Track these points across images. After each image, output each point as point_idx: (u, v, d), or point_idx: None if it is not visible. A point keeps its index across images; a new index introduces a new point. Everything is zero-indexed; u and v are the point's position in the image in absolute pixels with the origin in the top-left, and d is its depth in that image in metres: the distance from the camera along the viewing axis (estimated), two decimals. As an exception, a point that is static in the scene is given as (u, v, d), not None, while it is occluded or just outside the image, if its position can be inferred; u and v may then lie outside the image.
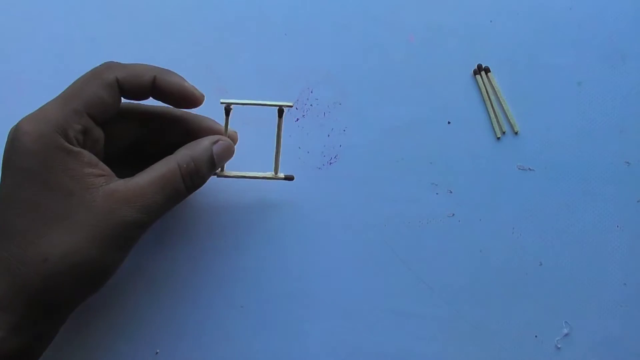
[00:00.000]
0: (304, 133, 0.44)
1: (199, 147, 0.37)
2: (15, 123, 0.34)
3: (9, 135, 0.34)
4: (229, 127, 0.39)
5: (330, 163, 0.44)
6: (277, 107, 0.39)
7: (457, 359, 0.41)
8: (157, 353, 0.41)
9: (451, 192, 0.43)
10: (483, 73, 0.44)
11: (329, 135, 0.44)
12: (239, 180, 0.42)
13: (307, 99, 0.44)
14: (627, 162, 0.43)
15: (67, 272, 0.33)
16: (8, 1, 0.45)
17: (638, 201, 0.43)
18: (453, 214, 0.43)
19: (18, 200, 0.33)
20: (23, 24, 0.45)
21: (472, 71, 0.44)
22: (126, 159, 0.40)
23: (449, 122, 0.44)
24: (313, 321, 0.42)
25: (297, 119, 0.44)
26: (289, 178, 0.41)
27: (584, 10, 0.45)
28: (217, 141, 0.38)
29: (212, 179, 0.39)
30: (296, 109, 0.44)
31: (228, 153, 0.39)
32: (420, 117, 0.44)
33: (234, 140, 0.41)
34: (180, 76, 0.38)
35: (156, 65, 0.37)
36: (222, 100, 0.38)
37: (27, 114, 0.34)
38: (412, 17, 0.45)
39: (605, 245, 0.42)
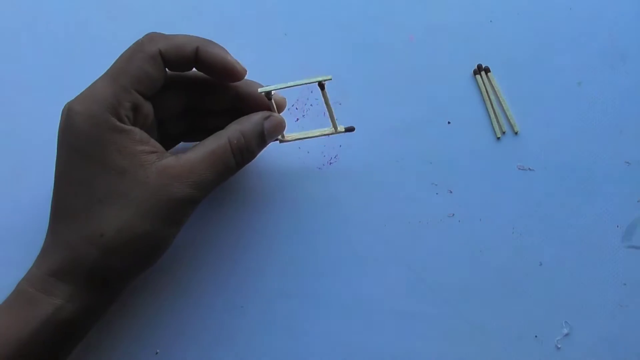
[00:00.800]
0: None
1: (249, 123, 0.38)
2: (67, 102, 0.35)
3: (62, 115, 0.35)
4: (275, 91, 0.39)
5: (330, 163, 0.44)
6: (317, 83, 0.39)
7: (457, 358, 0.41)
8: (157, 353, 0.41)
9: (451, 192, 0.43)
10: (483, 73, 0.44)
11: (328, 135, 0.44)
12: (235, 180, 0.42)
13: (307, 99, 0.44)
14: (627, 162, 0.43)
15: (122, 246, 0.34)
16: (9, 1, 0.45)
17: (638, 201, 0.43)
18: (453, 214, 0.43)
19: (73, 178, 0.34)
20: (24, 24, 0.45)
21: (472, 71, 0.44)
22: (177, 130, 0.40)
23: (449, 122, 0.44)
24: (313, 321, 0.42)
25: (297, 119, 0.44)
26: (349, 129, 0.41)
27: (583, 10, 0.45)
28: (268, 117, 0.38)
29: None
30: (296, 109, 0.44)
31: (279, 128, 0.39)
32: (420, 117, 0.44)
33: (282, 106, 0.41)
34: (223, 48, 0.38)
35: (198, 36, 0.37)
36: (259, 90, 0.38)
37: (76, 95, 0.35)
38: (412, 17, 0.45)
39: (605, 245, 0.42)
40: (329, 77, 0.39)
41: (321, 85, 0.39)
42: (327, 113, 0.39)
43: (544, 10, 0.45)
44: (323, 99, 0.40)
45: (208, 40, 0.37)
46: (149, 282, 0.42)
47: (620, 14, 0.45)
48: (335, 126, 0.41)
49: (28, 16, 0.45)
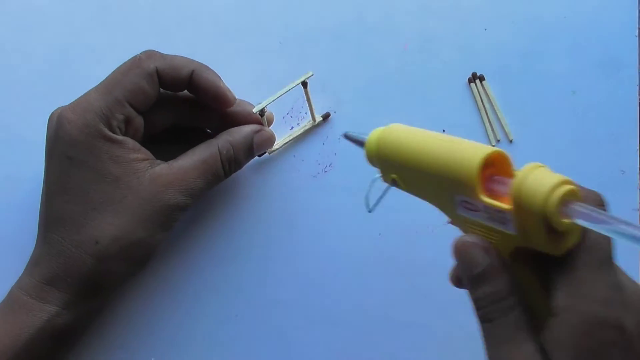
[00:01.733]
0: (298, 141, 0.44)
1: (239, 135, 0.39)
2: (55, 109, 0.36)
3: (50, 123, 0.36)
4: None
5: (325, 171, 0.43)
6: (301, 83, 0.41)
7: (452, 368, 0.41)
8: (151, 361, 0.41)
9: (446, 200, 0.43)
10: (478, 81, 0.44)
11: (323, 144, 0.44)
12: (231, 188, 0.42)
13: (302, 107, 0.44)
14: (622, 171, 0.43)
15: (117, 253, 0.35)
16: (6, 8, 0.45)
17: (633, 209, 0.43)
18: (449, 222, 0.43)
19: (67, 187, 0.35)
20: (18, 32, 0.45)
21: (467, 79, 0.44)
22: (163, 137, 0.41)
23: (443, 130, 0.44)
24: (308, 330, 0.42)
25: (292, 127, 0.44)
26: (325, 116, 0.43)
27: (578, 18, 0.45)
28: (258, 130, 0.39)
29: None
30: (290, 117, 0.44)
31: (269, 143, 0.41)
32: (414, 125, 0.44)
33: (270, 121, 0.42)
34: (216, 74, 0.38)
35: (194, 60, 0.38)
36: (254, 110, 0.40)
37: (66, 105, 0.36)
38: (407, 26, 0.45)
39: (600, 253, 0.42)
40: (310, 74, 0.41)
41: (304, 84, 0.41)
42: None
43: (538, 18, 0.45)
44: (305, 96, 0.41)
45: (204, 65, 0.38)
46: (144, 291, 0.42)
47: (614, 22, 0.45)
48: (314, 118, 0.43)
49: (22, 24, 0.45)
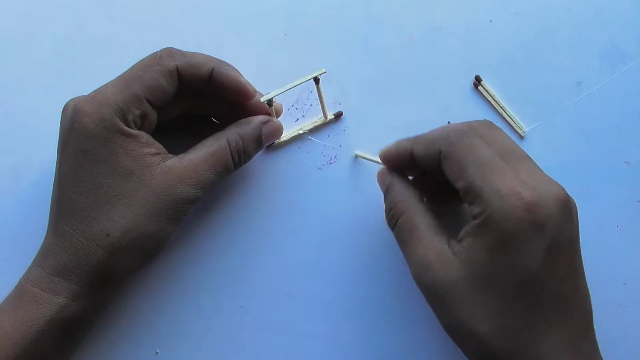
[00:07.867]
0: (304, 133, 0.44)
1: (248, 126, 0.39)
2: (70, 100, 0.36)
3: (64, 114, 0.36)
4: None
5: (329, 163, 0.44)
6: (313, 79, 0.40)
7: (457, 358, 0.41)
8: (157, 353, 0.41)
9: (451, 192, 0.43)
10: (482, 84, 0.44)
11: (328, 135, 0.44)
12: (236, 180, 0.42)
13: (307, 99, 0.44)
14: (627, 162, 0.43)
15: (127, 245, 0.35)
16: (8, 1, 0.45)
17: (638, 201, 0.43)
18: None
19: (80, 179, 0.35)
20: (24, 24, 0.45)
21: (472, 84, 0.44)
22: (170, 126, 0.41)
23: (449, 122, 0.44)
24: (313, 322, 0.42)
25: (297, 119, 0.44)
26: (338, 115, 0.43)
27: (583, 10, 0.45)
28: (266, 122, 0.40)
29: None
30: (296, 109, 0.44)
31: (277, 133, 0.41)
32: (420, 118, 0.44)
33: (279, 111, 0.42)
34: (236, 70, 0.39)
35: (214, 57, 0.38)
36: (262, 99, 0.39)
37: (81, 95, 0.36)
38: (412, 17, 0.45)
39: (605, 245, 0.42)
40: (323, 71, 0.40)
41: (316, 80, 0.40)
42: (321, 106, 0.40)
43: (543, 10, 0.45)
44: (317, 93, 0.41)
45: (223, 61, 0.38)
46: (149, 282, 0.42)
47: (620, 13, 0.45)
48: (325, 115, 0.43)
49: (28, 16, 0.45)
